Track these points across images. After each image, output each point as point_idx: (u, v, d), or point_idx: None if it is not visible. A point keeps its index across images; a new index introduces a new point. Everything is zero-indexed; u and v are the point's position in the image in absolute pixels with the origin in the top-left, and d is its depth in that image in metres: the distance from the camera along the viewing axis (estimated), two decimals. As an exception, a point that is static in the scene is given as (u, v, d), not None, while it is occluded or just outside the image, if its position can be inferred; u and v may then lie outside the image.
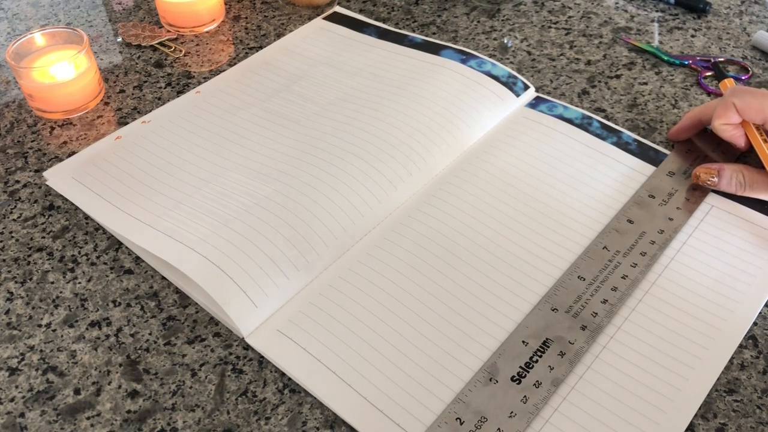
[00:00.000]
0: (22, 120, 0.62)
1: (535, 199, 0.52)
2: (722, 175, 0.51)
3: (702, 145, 0.55)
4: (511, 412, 0.39)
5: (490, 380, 0.41)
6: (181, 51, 0.69)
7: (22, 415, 0.41)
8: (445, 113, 0.57)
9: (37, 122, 0.61)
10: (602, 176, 0.54)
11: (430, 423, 0.39)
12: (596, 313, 0.44)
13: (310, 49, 0.67)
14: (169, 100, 0.63)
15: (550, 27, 0.70)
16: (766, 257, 0.48)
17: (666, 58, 0.65)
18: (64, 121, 0.61)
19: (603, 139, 0.56)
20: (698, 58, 0.65)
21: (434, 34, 0.70)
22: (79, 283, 0.48)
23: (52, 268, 0.49)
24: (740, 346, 0.43)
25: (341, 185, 0.51)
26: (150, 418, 0.41)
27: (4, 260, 0.50)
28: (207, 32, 0.71)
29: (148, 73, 0.66)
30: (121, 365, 0.44)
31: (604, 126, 0.58)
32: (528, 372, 0.41)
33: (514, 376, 0.41)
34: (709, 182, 0.51)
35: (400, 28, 0.70)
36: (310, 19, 0.72)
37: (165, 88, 0.65)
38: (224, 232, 0.48)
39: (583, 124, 0.58)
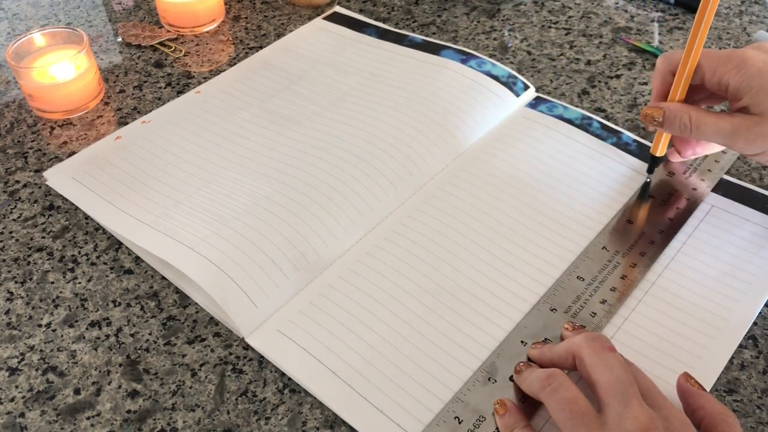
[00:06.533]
0: (22, 120, 0.62)
1: (534, 200, 0.52)
2: (667, 115, 0.47)
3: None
4: (511, 412, 0.39)
5: (489, 380, 0.41)
6: (181, 51, 0.69)
7: (22, 415, 0.41)
8: (445, 113, 0.57)
9: (37, 122, 0.62)
10: (602, 176, 0.54)
11: (429, 422, 0.39)
12: (595, 314, 0.44)
13: (310, 49, 0.67)
14: (169, 100, 0.63)
15: (550, 27, 0.70)
16: (766, 257, 0.48)
17: (666, 57, 0.65)
18: (64, 121, 0.61)
19: (603, 139, 0.56)
20: (698, 58, 0.65)
21: (434, 34, 0.70)
22: (79, 283, 0.48)
23: (52, 268, 0.50)
24: (740, 346, 0.43)
25: (341, 185, 0.51)
26: (150, 418, 0.41)
27: (4, 260, 0.50)
28: (207, 32, 0.71)
29: (148, 73, 0.66)
30: (121, 365, 0.44)
31: (604, 126, 0.58)
32: (527, 372, 0.41)
33: (512, 376, 0.41)
34: (655, 122, 0.47)
35: (400, 28, 0.70)
36: (310, 19, 0.72)
37: (165, 88, 0.65)
38: (224, 232, 0.48)
39: (583, 125, 0.58)
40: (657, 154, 0.51)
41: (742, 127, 0.44)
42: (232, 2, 0.75)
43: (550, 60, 0.66)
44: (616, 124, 0.58)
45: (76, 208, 0.53)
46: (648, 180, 0.52)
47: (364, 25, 0.70)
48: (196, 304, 0.47)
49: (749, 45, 0.48)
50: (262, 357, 0.44)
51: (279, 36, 0.70)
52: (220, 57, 0.68)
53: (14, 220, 0.53)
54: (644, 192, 0.52)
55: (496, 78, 0.61)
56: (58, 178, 0.55)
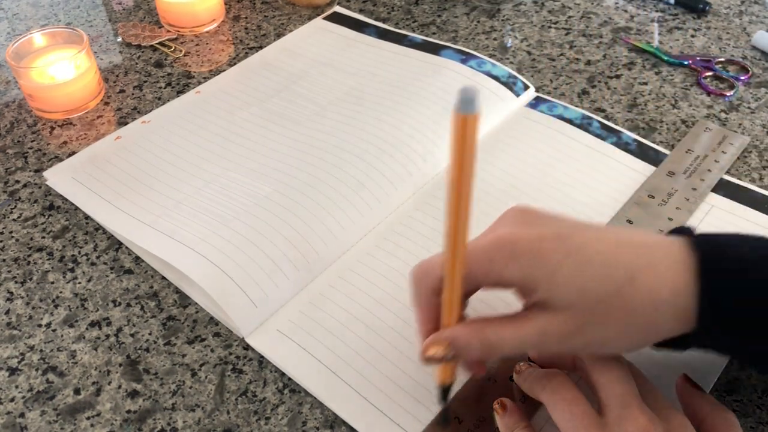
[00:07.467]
0: (22, 120, 0.62)
1: (534, 200, 0.52)
2: (457, 346, 0.35)
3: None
4: (511, 412, 0.39)
5: (489, 380, 0.41)
6: (181, 51, 0.69)
7: (22, 415, 0.41)
8: (445, 113, 0.57)
9: (37, 122, 0.62)
10: (602, 176, 0.54)
11: (429, 422, 0.39)
12: (596, 313, 0.44)
13: (310, 49, 0.67)
14: (169, 100, 0.63)
15: (550, 27, 0.70)
16: (766, 257, 0.48)
17: (666, 58, 0.65)
18: (64, 121, 0.61)
19: (603, 139, 0.56)
20: (698, 58, 0.65)
21: (434, 34, 0.70)
22: (79, 283, 0.48)
23: (52, 268, 0.49)
24: (740, 346, 0.43)
25: (341, 185, 0.51)
26: (150, 418, 0.41)
27: (4, 260, 0.50)
28: (207, 32, 0.71)
29: (148, 73, 0.66)
30: (121, 365, 0.44)
31: (603, 126, 0.58)
32: (528, 372, 0.41)
33: (512, 376, 0.41)
34: (445, 359, 0.35)
35: (400, 28, 0.70)
36: (310, 19, 0.72)
37: (165, 88, 0.65)
38: (224, 232, 0.48)
39: (583, 125, 0.58)
40: (446, 383, 0.38)
41: (550, 329, 0.34)
42: (232, 2, 0.75)
43: (550, 60, 0.66)
44: (616, 124, 0.58)
45: (76, 208, 0.53)
46: (444, 408, 0.39)
47: (364, 25, 0.70)
48: (196, 304, 0.47)
49: (498, 219, 0.38)
50: (262, 357, 0.44)
51: (279, 36, 0.70)
52: (220, 57, 0.68)
53: (14, 220, 0.53)
54: (445, 419, 0.39)
55: (496, 78, 0.61)
56: (58, 178, 0.55)
